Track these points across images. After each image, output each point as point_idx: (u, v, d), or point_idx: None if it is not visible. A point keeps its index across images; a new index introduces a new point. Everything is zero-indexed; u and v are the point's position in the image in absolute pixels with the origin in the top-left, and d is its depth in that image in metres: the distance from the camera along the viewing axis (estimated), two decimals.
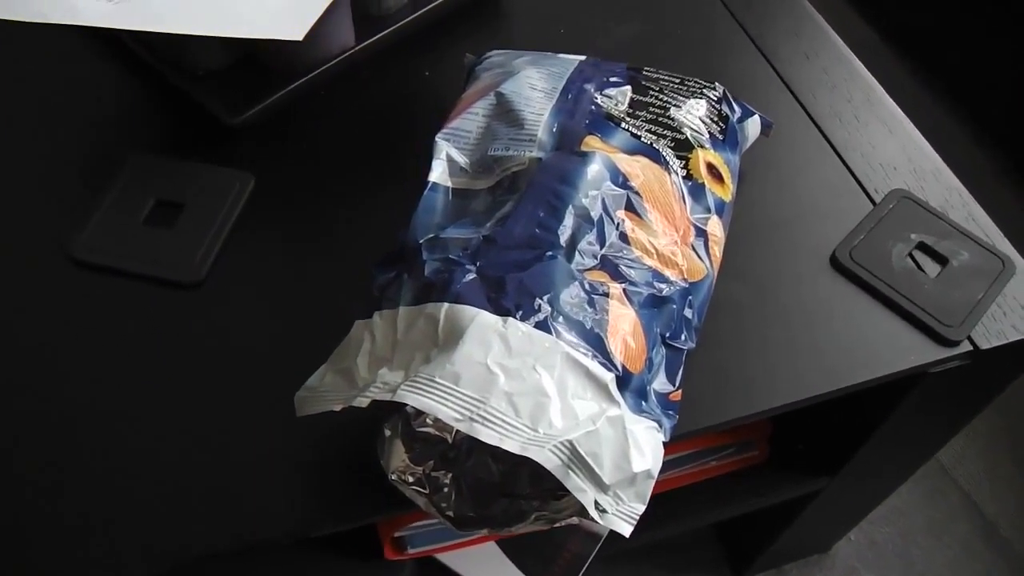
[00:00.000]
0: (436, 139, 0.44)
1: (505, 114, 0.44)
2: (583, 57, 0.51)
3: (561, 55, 0.52)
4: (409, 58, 0.61)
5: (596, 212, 0.40)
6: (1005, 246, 0.55)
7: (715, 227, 0.45)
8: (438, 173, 0.42)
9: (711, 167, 0.47)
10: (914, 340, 0.50)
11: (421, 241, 0.40)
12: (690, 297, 0.41)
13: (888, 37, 1.52)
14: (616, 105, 0.47)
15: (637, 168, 0.43)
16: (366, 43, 0.57)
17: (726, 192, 0.47)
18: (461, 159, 0.43)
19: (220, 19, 0.49)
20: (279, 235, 0.52)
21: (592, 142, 0.43)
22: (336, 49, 0.57)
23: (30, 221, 0.52)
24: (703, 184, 0.46)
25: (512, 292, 0.35)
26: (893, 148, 0.59)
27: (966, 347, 0.51)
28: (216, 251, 0.51)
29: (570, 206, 0.39)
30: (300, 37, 0.47)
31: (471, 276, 0.36)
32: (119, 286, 0.50)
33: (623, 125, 0.46)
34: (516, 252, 0.37)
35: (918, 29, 1.46)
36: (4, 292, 0.49)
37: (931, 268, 0.53)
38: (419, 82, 0.60)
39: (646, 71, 0.51)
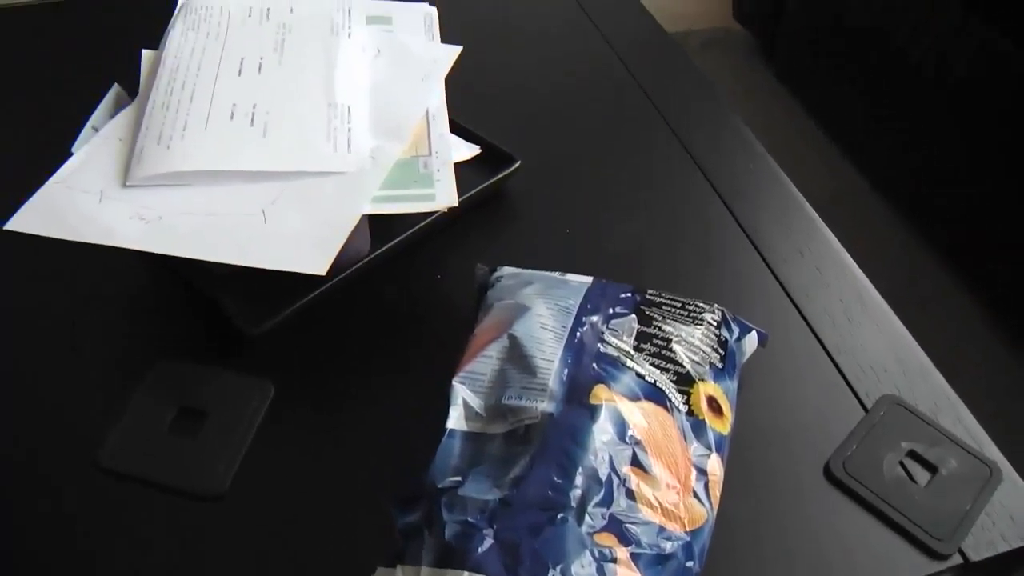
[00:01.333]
0: (453, 383, 0.47)
1: (518, 359, 0.47)
2: (590, 281, 0.55)
3: (570, 277, 0.55)
4: (421, 261, 0.64)
5: (604, 471, 0.42)
6: (992, 451, 0.57)
7: (715, 466, 0.48)
8: (455, 419, 0.45)
9: (712, 400, 0.50)
10: (907, 554, 0.52)
11: (440, 487, 0.43)
12: (692, 547, 0.43)
13: (877, 185, 1.57)
14: (622, 341, 0.50)
15: (642, 417, 0.45)
16: (380, 251, 0.60)
17: (725, 426, 0.50)
18: (476, 404, 0.46)
19: (246, 250, 0.52)
20: (299, 442, 0.54)
21: (600, 392, 0.46)
22: (353, 257, 0.60)
23: (57, 427, 0.55)
24: (703, 420, 0.49)
25: (528, 563, 0.38)
26: (883, 348, 0.62)
27: (956, 560, 0.53)
28: (239, 462, 0.53)
29: (580, 467, 0.42)
30: (323, 271, 0.50)
31: (489, 542, 0.39)
32: (144, 495, 0.52)
33: (628, 364, 0.49)
34: (531, 514, 0.40)
35: (905, 175, 1.51)
36: (31, 497, 0.51)
37: (921, 476, 0.56)
38: (431, 285, 0.63)
39: (649, 295, 0.54)
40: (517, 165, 0.69)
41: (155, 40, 0.70)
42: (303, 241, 0.52)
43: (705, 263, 0.66)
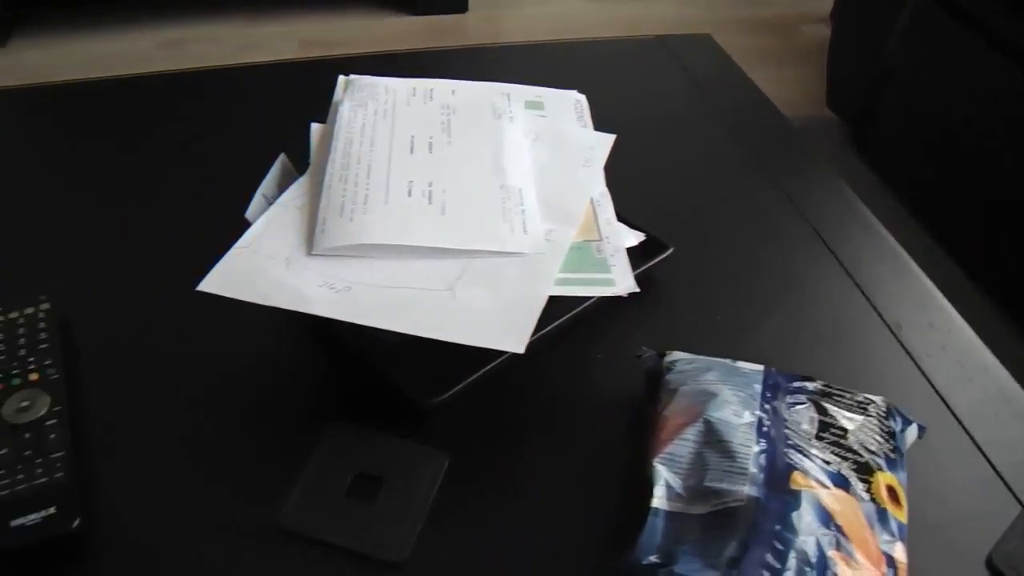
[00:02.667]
0: (654, 464, 0.49)
1: (715, 444, 0.49)
2: (762, 369, 0.56)
3: (740, 364, 0.57)
4: (578, 340, 0.66)
5: (813, 555, 0.43)
6: None
7: (901, 553, 0.49)
8: (659, 498, 0.47)
9: (890, 490, 0.51)
10: None
11: (644, 563, 0.44)
12: None
13: (975, 275, 1.57)
14: (806, 432, 0.51)
15: (837, 504, 0.47)
16: (549, 328, 0.62)
17: (903, 514, 0.51)
18: (677, 484, 0.48)
19: (442, 325, 0.54)
20: (475, 513, 0.56)
21: (798, 479, 0.47)
22: None
23: (237, 486, 0.56)
24: (885, 509, 0.50)
25: None
26: None
27: None
28: (418, 530, 0.54)
29: (792, 550, 0.43)
30: (522, 350, 0.52)
31: None
32: (324, 557, 0.53)
33: (814, 452, 0.50)
34: None
35: (1007, 269, 1.51)
36: (216, 559, 0.53)
37: None
38: (591, 364, 0.65)
39: (823, 385, 0.56)
40: (670, 252, 0.71)
41: (309, 112, 0.73)
42: (497, 319, 0.54)
43: (851, 356, 0.68)
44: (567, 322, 0.64)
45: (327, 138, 0.71)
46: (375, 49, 2.26)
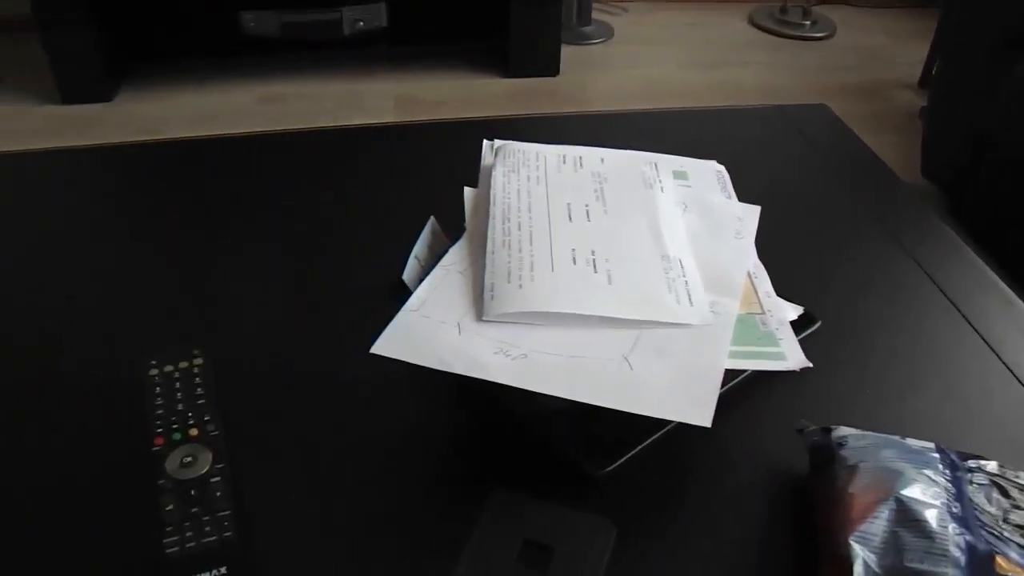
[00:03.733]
0: (850, 542, 0.48)
1: (910, 523, 0.48)
2: (933, 446, 0.56)
3: (911, 442, 0.56)
4: (736, 411, 0.65)
5: None
6: None
7: None
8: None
9: None
10: None
11: None
12: None
13: None
14: (993, 514, 0.51)
15: None
16: None
17: None
18: (873, 562, 0.47)
19: (624, 396, 0.55)
20: None
21: (1002, 563, 0.46)
22: None
23: (403, 554, 0.57)
24: None
25: None
26: None
27: None
28: None
29: None
30: (708, 423, 0.53)
31: None
32: None
33: (1007, 535, 0.49)
34: None
35: None
36: None
37: None
38: (753, 431, 0.65)
39: (998, 468, 0.55)
40: (818, 325, 0.71)
41: (436, 173, 0.74)
42: (679, 391, 0.55)
43: (1002, 430, 0.67)
44: (726, 392, 0.64)
45: (482, 202, 0.72)
46: (470, 109, 2.31)
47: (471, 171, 0.77)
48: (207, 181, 0.92)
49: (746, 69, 2.62)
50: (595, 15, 2.82)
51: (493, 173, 0.74)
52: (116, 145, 1.02)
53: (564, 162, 0.76)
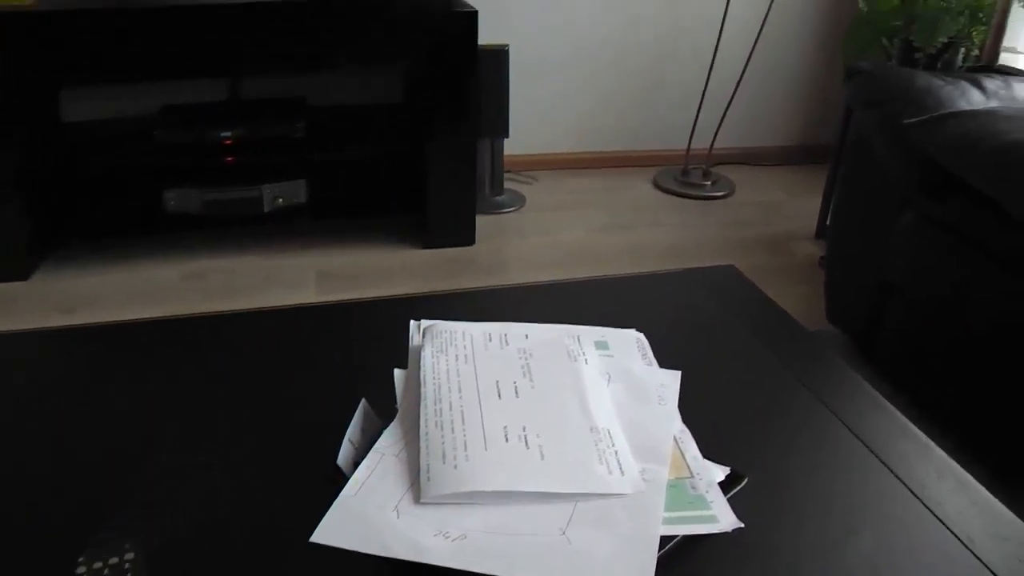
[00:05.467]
0: None
1: None
2: None
3: None
4: (673, 573, 0.67)
5: None
6: None
7: None
8: None
9: None
10: None
11: None
12: None
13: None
14: None
15: None
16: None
17: None
18: None
19: (565, 570, 0.56)
20: None
21: None
22: None
23: None
24: None
25: None
26: None
27: None
28: None
29: None
30: None
31: None
32: None
33: None
34: None
35: None
36: None
37: None
38: None
39: None
40: (745, 482, 0.73)
41: (359, 353, 0.76)
42: (619, 562, 0.56)
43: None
44: (663, 557, 0.66)
45: (412, 384, 0.74)
46: (390, 280, 2.36)
47: (397, 350, 0.79)
48: (131, 366, 0.92)
49: (654, 230, 2.73)
50: (507, 184, 2.93)
51: (422, 354, 0.77)
52: (38, 330, 1.02)
53: (490, 340, 0.79)
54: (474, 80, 2.37)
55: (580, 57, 3.06)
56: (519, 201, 2.88)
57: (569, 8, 2.98)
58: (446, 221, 2.51)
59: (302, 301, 2.21)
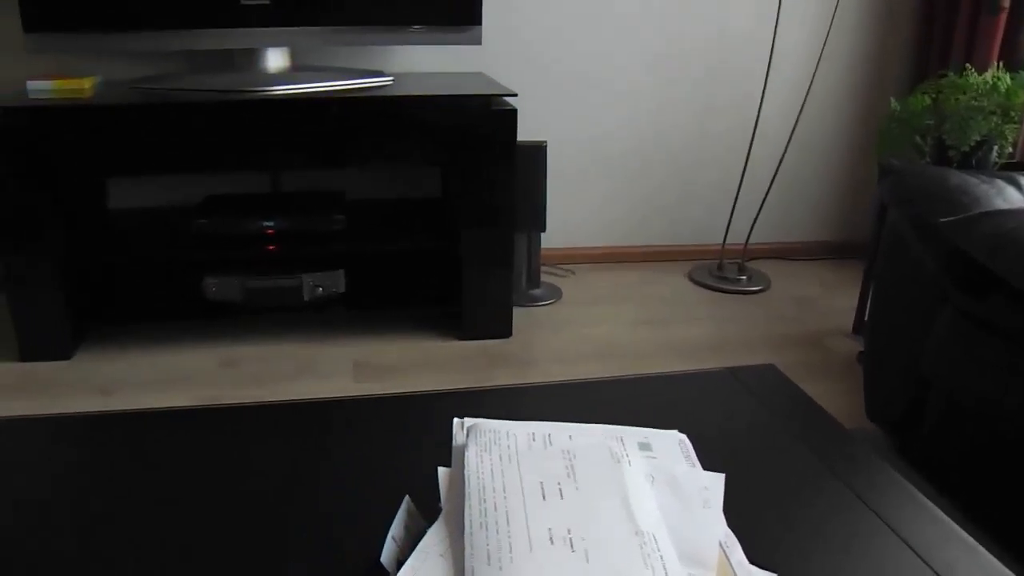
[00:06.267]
0: None
1: None
2: None
3: None
4: None
5: None
6: None
7: None
8: None
9: None
10: None
11: None
12: None
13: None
14: None
15: None
16: None
17: None
18: None
19: None
20: None
21: None
22: None
23: None
24: None
25: None
26: None
27: None
28: None
29: None
30: None
31: None
32: None
33: None
34: None
35: None
36: None
37: None
38: None
39: None
40: None
41: (415, 450, 0.77)
42: None
43: None
44: None
45: (456, 482, 0.75)
46: (426, 371, 2.37)
47: (438, 446, 0.80)
48: (170, 455, 0.93)
49: (690, 325, 2.74)
50: (543, 277, 2.96)
51: (466, 453, 0.77)
52: (76, 415, 1.03)
53: (534, 440, 0.79)
54: (512, 176, 2.42)
55: (616, 152, 3.12)
56: (555, 294, 2.90)
57: (606, 104, 3.05)
58: (483, 313, 2.53)
59: (338, 389, 2.23)
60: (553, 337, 2.63)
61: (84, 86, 2.39)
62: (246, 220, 2.47)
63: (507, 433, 0.80)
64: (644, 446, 0.80)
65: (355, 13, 2.46)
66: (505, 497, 0.71)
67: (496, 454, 0.77)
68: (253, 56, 2.52)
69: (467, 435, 0.80)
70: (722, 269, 3.11)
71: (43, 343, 2.38)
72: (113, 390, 2.27)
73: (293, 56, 2.60)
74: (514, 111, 2.38)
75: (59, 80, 2.39)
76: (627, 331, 2.69)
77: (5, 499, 0.85)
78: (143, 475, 0.90)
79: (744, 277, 3.06)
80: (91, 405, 2.19)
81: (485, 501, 0.71)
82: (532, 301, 2.83)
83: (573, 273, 3.16)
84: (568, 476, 0.74)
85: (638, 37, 3.00)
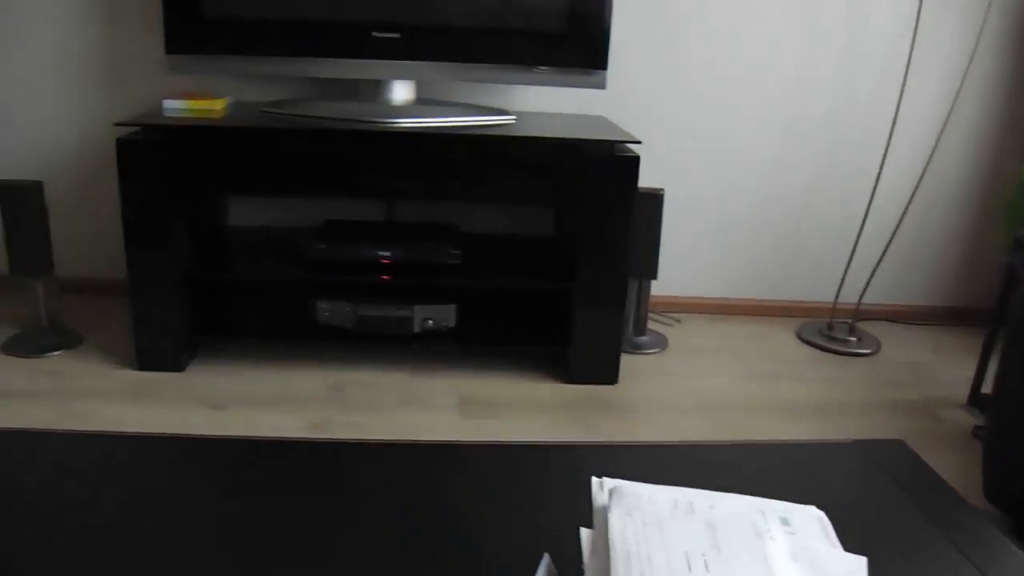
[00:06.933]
0: None
1: None
2: None
3: None
4: None
5: None
6: None
7: None
8: None
9: None
10: None
11: None
12: None
13: None
14: None
15: None
16: None
17: None
18: None
19: None
20: None
21: None
22: None
23: None
24: None
25: None
26: None
27: None
28: None
29: None
30: None
31: None
32: None
33: None
34: None
35: None
36: None
37: None
38: None
39: None
40: None
41: (544, 504, 0.77)
42: None
43: None
44: None
45: (600, 546, 0.75)
46: (532, 412, 2.38)
47: (568, 499, 0.80)
48: (285, 488, 0.93)
49: (798, 384, 2.69)
50: (650, 325, 2.94)
51: (609, 516, 0.77)
52: (181, 436, 1.05)
53: (676, 507, 0.79)
54: (630, 222, 2.42)
55: (728, 203, 3.10)
56: (661, 343, 2.88)
57: (721, 154, 3.03)
58: (590, 357, 2.53)
59: (444, 422, 2.26)
60: (659, 386, 2.62)
61: (216, 107, 2.49)
62: (363, 248, 2.52)
63: (648, 498, 0.80)
64: (784, 521, 0.80)
65: (483, 50, 2.51)
66: (651, 564, 0.71)
67: (639, 519, 0.77)
68: (379, 87, 2.59)
69: (609, 497, 0.80)
70: (832, 329, 3.05)
71: (160, 354, 2.47)
72: (222, 404, 2.33)
73: (418, 89, 2.65)
74: (637, 158, 2.39)
75: (193, 100, 2.50)
76: (733, 385, 2.65)
77: (108, 513, 0.87)
78: (258, 503, 0.91)
79: (854, 338, 3.00)
80: (202, 418, 2.26)
81: (631, 568, 0.71)
82: (638, 348, 2.82)
83: (679, 321, 3.14)
84: (712, 548, 0.74)
85: (764, 100, 2.99)
